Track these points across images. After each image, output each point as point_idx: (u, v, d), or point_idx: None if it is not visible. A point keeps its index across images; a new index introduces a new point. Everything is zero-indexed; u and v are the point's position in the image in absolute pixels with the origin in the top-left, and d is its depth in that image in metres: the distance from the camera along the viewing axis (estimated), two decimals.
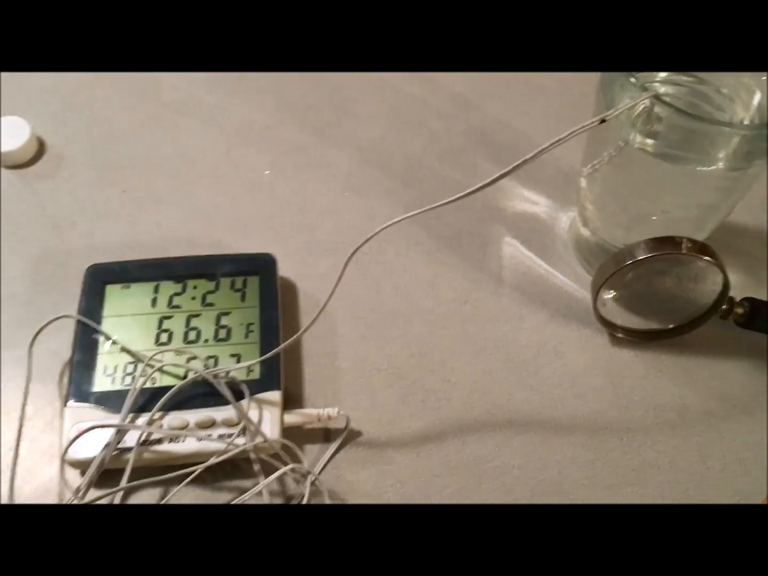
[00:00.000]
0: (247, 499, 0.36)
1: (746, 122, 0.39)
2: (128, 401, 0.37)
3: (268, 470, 0.37)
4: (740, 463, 0.40)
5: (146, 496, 0.37)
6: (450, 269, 0.46)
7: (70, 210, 0.47)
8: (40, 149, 0.50)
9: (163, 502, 0.37)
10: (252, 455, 0.38)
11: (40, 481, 0.37)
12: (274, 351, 0.38)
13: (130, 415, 0.37)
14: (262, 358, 0.38)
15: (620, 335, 0.44)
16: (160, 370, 0.39)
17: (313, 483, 0.37)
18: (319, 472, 0.38)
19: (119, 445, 0.36)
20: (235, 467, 0.38)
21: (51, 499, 0.37)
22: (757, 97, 0.38)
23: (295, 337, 0.38)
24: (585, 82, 0.55)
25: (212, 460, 0.36)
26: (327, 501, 0.37)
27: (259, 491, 0.36)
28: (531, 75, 0.56)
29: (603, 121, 0.33)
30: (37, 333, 0.40)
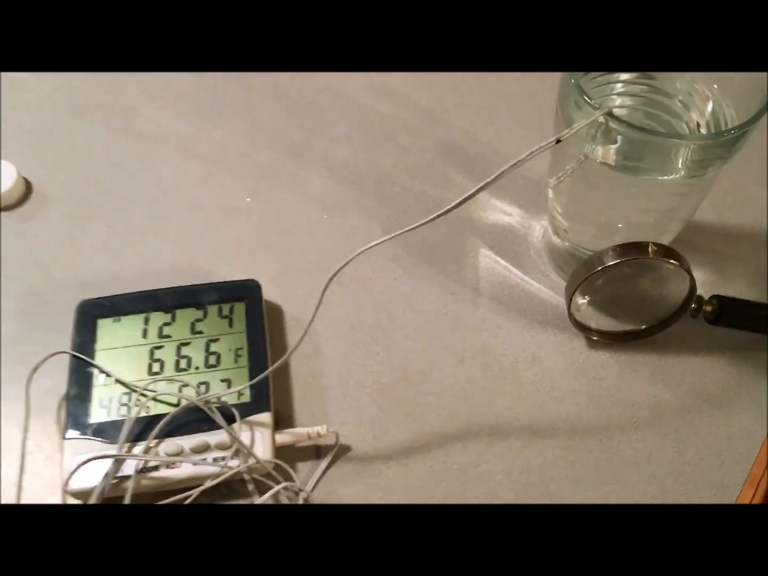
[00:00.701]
0: None
1: (702, 129, 0.40)
2: (124, 431, 0.39)
3: (261, 490, 0.39)
4: (715, 456, 0.41)
5: None
6: (427, 282, 0.47)
7: (57, 248, 0.49)
8: (26, 190, 0.51)
9: None
10: (246, 476, 0.39)
11: None
12: (261, 375, 0.40)
13: (127, 444, 0.39)
14: (252, 382, 0.40)
15: (595, 338, 0.45)
16: (154, 399, 0.40)
17: (305, 500, 0.39)
18: (312, 489, 0.40)
19: (118, 474, 0.38)
20: (230, 488, 0.40)
21: None
22: (710, 105, 0.40)
23: (281, 360, 0.39)
24: (547, 90, 0.57)
25: (207, 484, 0.38)
26: None
27: None
28: (494, 85, 0.57)
29: (558, 141, 0.35)
30: (35, 368, 0.41)
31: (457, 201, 0.35)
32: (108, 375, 0.41)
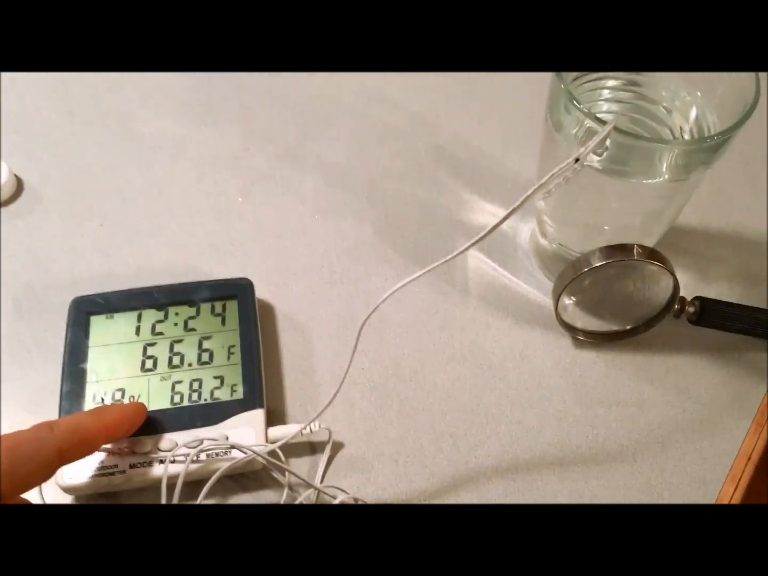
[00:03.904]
0: None
1: (686, 135, 0.42)
2: None
3: (259, 484, 0.40)
4: (698, 452, 0.43)
5: None
6: (418, 283, 0.48)
7: (50, 245, 0.49)
8: (18, 188, 0.51)
9: None
10: (243, 470, 0.40)
11: None
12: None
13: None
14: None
15: (582, 338, 0.46)
16: (147, 395, 0.41)
17: (317, 495, 0.39)
18: (321, 481, 0.41)
19: (111, 469, 0.38)
20: (225, 483, 0.40)
21: None
22: (694, 112, 0.41)
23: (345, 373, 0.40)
24: (536, 97, 0.58)
25: (214, 477, 0.37)
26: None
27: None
28: (484, 91, 0.58)
29: (577, 160, 0.36)
30: None
31: (491, 227, 0.36)
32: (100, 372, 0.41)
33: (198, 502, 0.37)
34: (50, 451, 0.32)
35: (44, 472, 0.32)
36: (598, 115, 0.35)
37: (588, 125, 0.36)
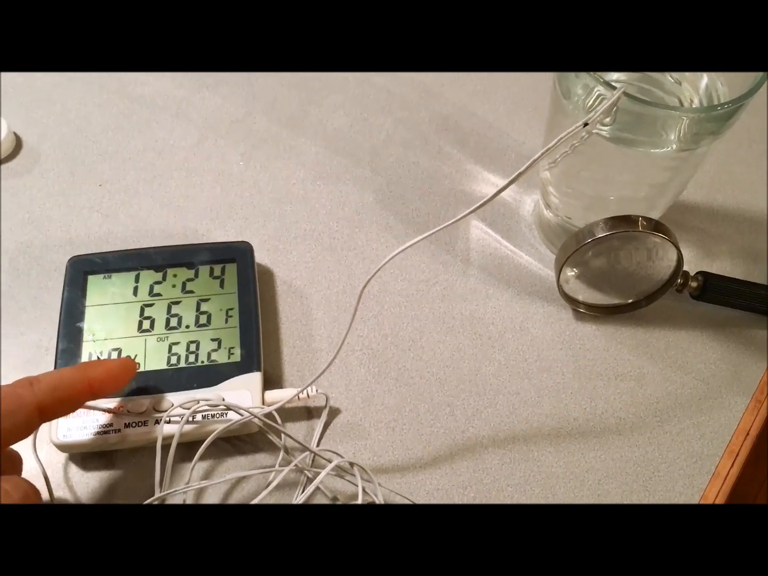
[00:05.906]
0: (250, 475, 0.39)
1: (695, 105, 0.41)
2: None
3: (254, 447, 0.40)
4: (695, 427, 0.42)
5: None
6: (419, 252, 0.48)
7: (47, 205, 0.48)
8: (17, 146, 0.50)
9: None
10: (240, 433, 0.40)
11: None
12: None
13: (117, 399, 0.39)
14: None
15: (583, 310, 0.46)
16: (144, 356, 0.40)
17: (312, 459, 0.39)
18: (317, 445, 0.40)
19: (106, 428, 0.38)
20: (220, 446, 0.40)
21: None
22: (704, 82, 0.41)
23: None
24: None
25: (210, 438, 0.37)
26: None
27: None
28: None
29: (586, 124, 0.35)
30: None
31: (495, 192, 0.35)
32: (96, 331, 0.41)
33: (193, 463, 0.37)
34: (29, 407, 0.31)
35: (22, 429, 0.31)
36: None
37: (597, 91, 0.36)
